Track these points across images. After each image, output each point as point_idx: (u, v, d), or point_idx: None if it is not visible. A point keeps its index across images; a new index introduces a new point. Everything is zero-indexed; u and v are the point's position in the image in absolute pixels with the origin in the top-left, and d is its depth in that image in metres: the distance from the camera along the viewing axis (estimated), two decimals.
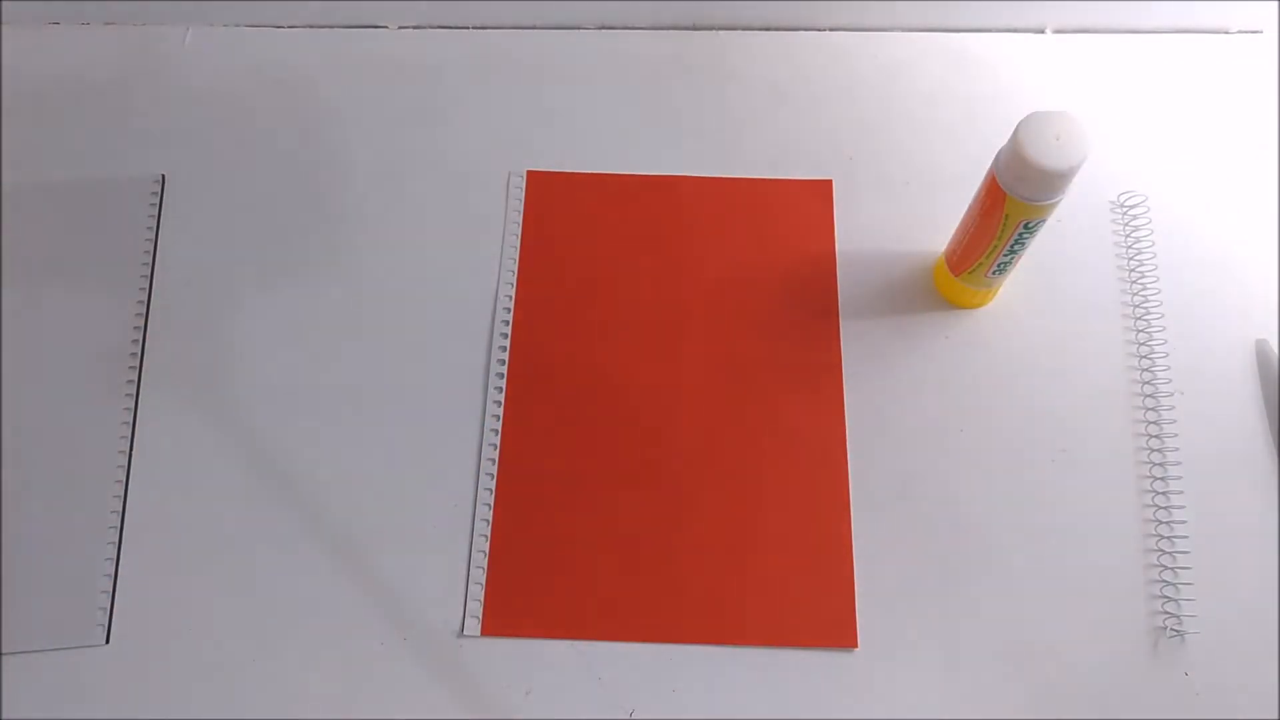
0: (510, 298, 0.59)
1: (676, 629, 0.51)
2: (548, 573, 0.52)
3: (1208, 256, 0.59)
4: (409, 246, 0.61)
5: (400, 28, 0.68)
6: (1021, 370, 0.57)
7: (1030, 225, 0.49)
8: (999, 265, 0.53)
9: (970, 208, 0.52)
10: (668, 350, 0.57)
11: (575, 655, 0.51)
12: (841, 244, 0.60)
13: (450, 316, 0.59)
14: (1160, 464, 0.54)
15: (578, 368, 0.57)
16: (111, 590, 0.52)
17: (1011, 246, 0.51)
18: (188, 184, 0.63)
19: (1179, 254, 0.59)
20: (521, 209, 0.62)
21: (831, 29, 0.67)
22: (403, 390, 0.57)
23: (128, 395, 0.57)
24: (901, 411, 0.56)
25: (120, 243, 0.61)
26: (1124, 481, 0.54)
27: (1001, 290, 0.58)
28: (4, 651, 0.51)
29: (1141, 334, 0.57)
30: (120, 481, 0.55)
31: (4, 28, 0.68)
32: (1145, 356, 0.57)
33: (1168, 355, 0.56)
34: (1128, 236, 0.60)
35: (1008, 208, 0.48)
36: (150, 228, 0.61)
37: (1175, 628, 0.50)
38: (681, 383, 0.57)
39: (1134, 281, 0.58)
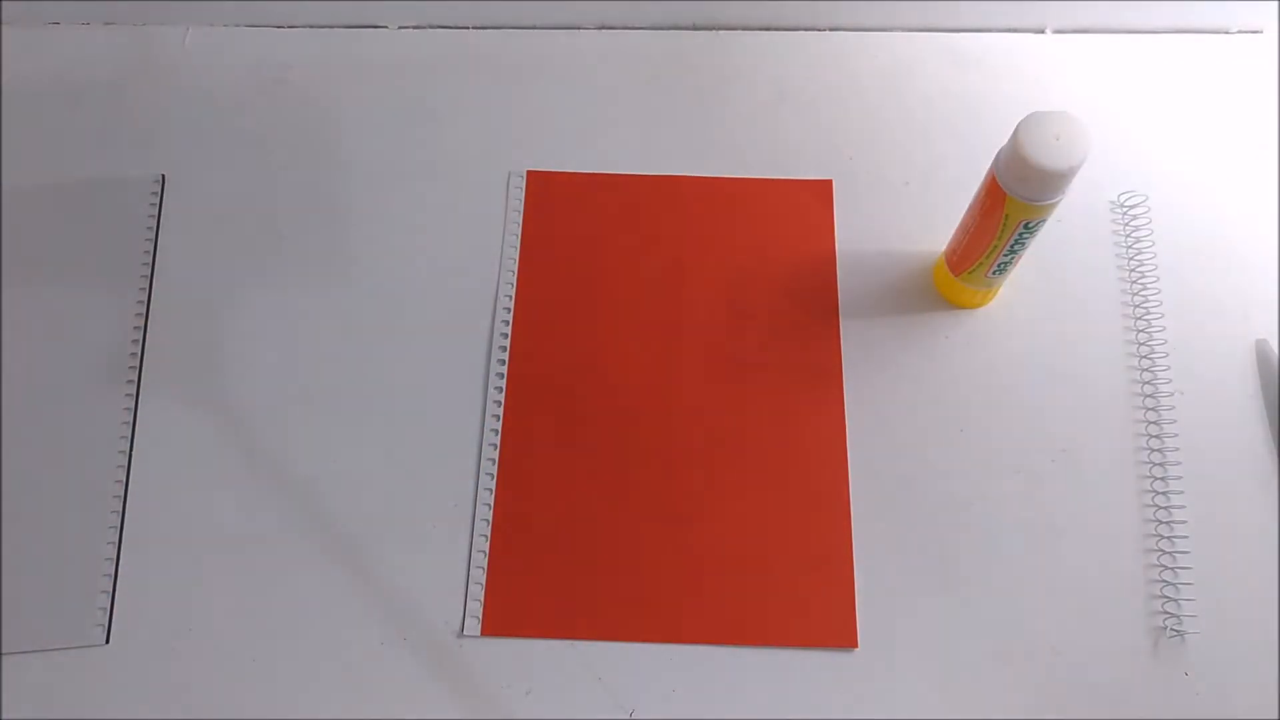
0: (510, 298, 0.59)
1: (676, 629, 0.51)
2: (548, 573, 0.52)
3: (1208, 256, 0.59)
4: (409, 246, 0.61)
5: (400, 28, 0.68)
6: (1021, 370, 0.57)
7: (1030, 225, 0.49)
8: (999, 265, 0.53)
9: (970, 208, 0.52)
10: (668, 350, 0.57)
11: (575, 655, 0.51)
12: (841, 244, 0.60)
13: (450, 317, 0.59)
14: (1160, 464, 0.54)
15: (578, 368, 0.57)
16: (111, 590, 0.52)
17: (1011, 247, 0.51)
18: (187, 184, 0.63)
19: (1179, 254, 0.59)
20: (521, 209, 0.62)
21: (831, 29, 0.67)
22: (403, 390, 0.57)
23: (128, 395, 0.57)
24: (901, 411, 0.56)
25: (120, 242, 0.61)
26: (1124, 481, 0.54)
27: (1001, 290, 0.58)
28: (3, 651, 0.51)
29: (1141, 334, 0.57)
30: (120, 481, 0.55)
31: (4, 28, 0.68)
32: (1145, 356, 0.57)
33: (1168, 355, 0.56)
34: (1128, 236, 0.60)
35: (1008, 208, 0.48)
36: (150, 228, 0.61)
37: (1175, 628, 0.50)
38: (681, 382, 0.57)
39: (1134, 281, 0.58)
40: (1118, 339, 0.57)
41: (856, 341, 0.57)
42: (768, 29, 0.67)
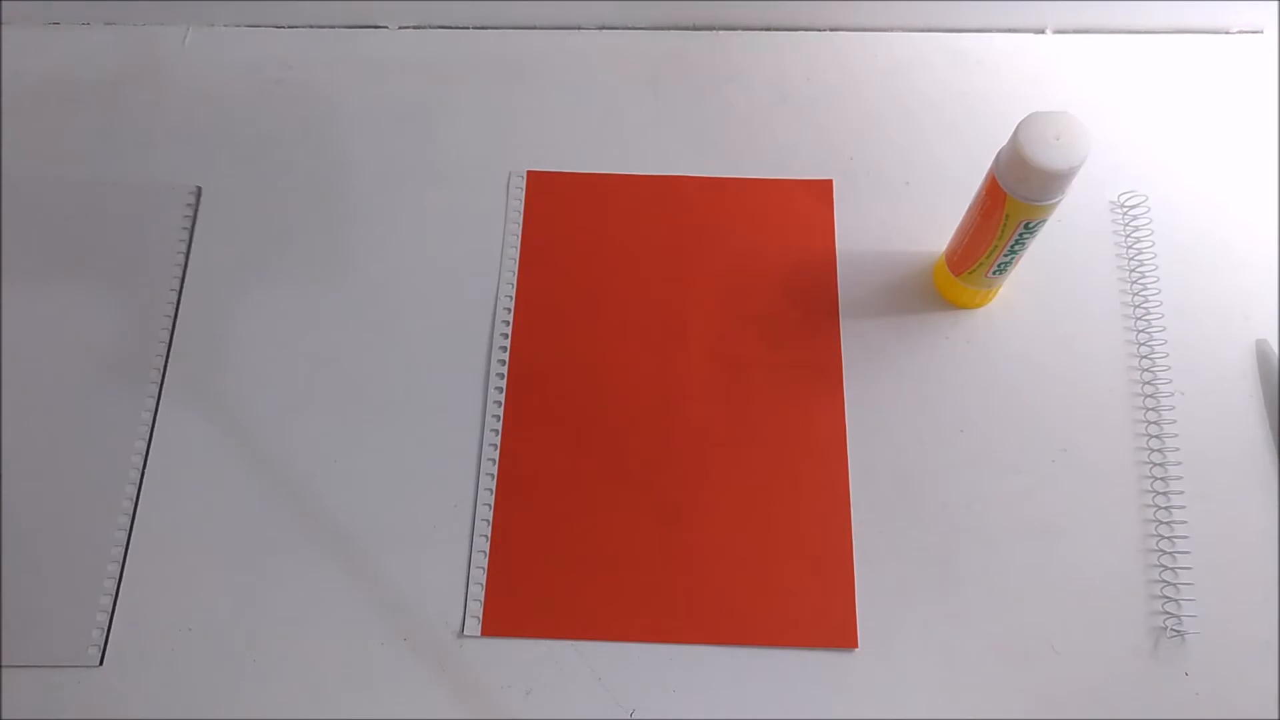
0: (510, 298, 0.59)
1: (676, 629, 0.51)
2: (548, 573, 0.52)
3: (1208, 256, 0.59)
4: (409, 246, 0.61)
5: (400, 28, 0.68)
6: (1021, 370, 0.57)
7: (1030, 226, 0.49)
8: (999, 265, 0.53)
9: (970, 208, 0.52)
10: (668, 350, 0.57)
11: (575, 655, 0.51)
12: (841, 244, 0.60)
13: (450, 316, 0.59)
14: (1160, 464, 0.54)
15: (578, 368, 0.57)
16: (111, 610, 0.52)
17: (1012, 247, 0.51)
18: (187, 184, 0.63)
19: (1179, 254, 0.59)
20: (521, 209, 0.62)
21: (831, 29, 0.67)
22: (403, 390, 0.57)
23: (149, 397, 0.57)
24: (901, 411, 0.56)
25: (141, 248, 0.61)
26: (1124, 481, 0.54)
27: (1001, 290, 0.58)
28: (2, 664, 0.51)
29: (1141, 334, 0.57)
30: (134, 483, 0.54)
31: (4, 28, 0.68)
32: (1145, 356, 0.57)
33: (1168, 355, 0.56)
34: (1128, 236, 0.60)
35: (1008, 208, 0.48)
36: (183, 240, 0.61)
37: (1175, 628, 0.50)
38: (681, 382, 0.57)
39: (1134, 281, 0.58)
40: (1118, 339, 0.57)
41: (856, 341, 0.57)
42: (768, 29, 0.67)
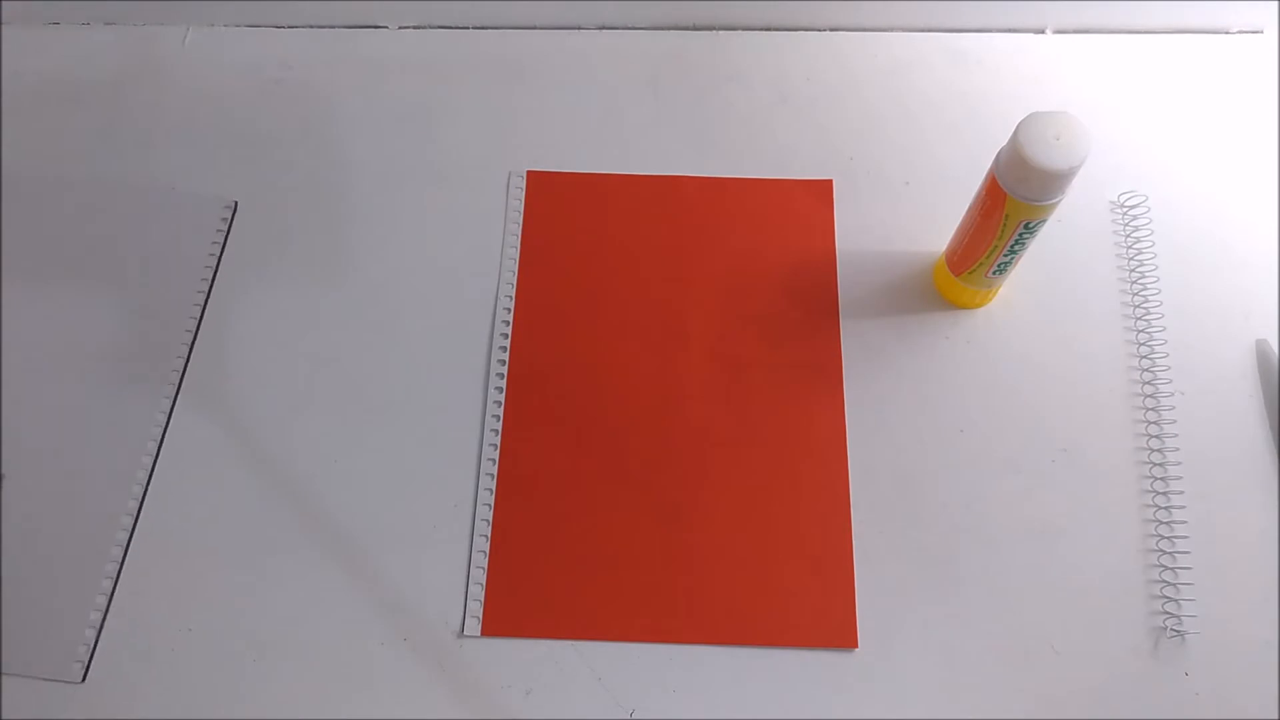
0: (510, 298, 0.59)
1: (676, 629, 0.51)
2: (548, 573, 0.52)
3: (1208, 256, 0.59)
4: (409, 246, 0.61)
5: (400, 28, 0.68)
6: (1021, 370, 0.57)
7: (1030, 226, 0.49)
8: (999, 265, 0.53)
9: (970, 208, 0.52)
10: (667, 350, 0.57)
11: (575, 655, 0.51)
12: (841, 244, 0.60)
13: (450, 316, 0.59)
14: (1160, 464, 0.54)
15: (578, 368, 0.57)
16: (105, 610, 0.52)
17: (1012, 247, 0.51)
18: (187, 184, 0.63)
19: (1179, 254, 0.59)
20: (521, 209, 0.62)
21: (831, 29, 0.67)
22: (403, 390, 0.57)
23: (165, 398, 0.57)
24: (901, 411, 0.56)
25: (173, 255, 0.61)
26: (1124, 481, 0.54)
27: (1001, 290, 0.58)
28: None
29: (1141, 334, 0.57)
30: (141, 483, 0.54)
31: (4, 28, 0.68)
32: (1145, 356, 0.57)
33: (1168, 355, 0.56)
34: (1128, 236, 0.60)
35: (1008, 208, 0.48)
36: (213, 254, 0.61)
37: (1175, 628, 0.50)
38: (681, 382, 0.57)
39: (1134, 281, 0.58)
40: (1118, 339, 0.57)
41: (856, 341, 0.57)
42: (768, 29, 0.67)
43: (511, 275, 0.60)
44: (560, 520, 0.54)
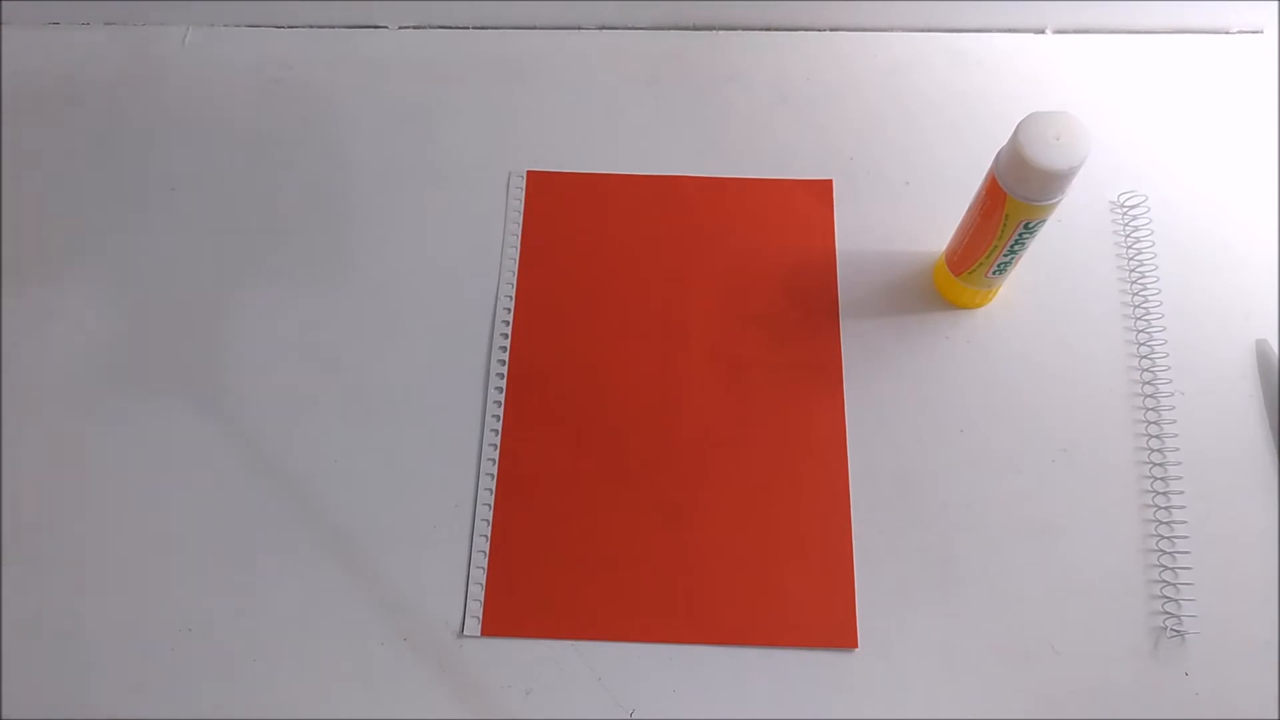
0: (510, 298, 0.59)
1: (676, 629, 0.51)
2: (548, 573, 0.52)
3: (1208, 256, 0.59)
4: (409, 246, 0.61)
5: (400, 28, 0.68)
6: (1021, 370, 0.57)
7: (1030, 226, 0.49)
8: (999, 265, 0.53)
9: (970, 208, 0.52)
10: (667, 350, 0.57)
11: (575, 655, 0.51)
12: (841, 244, 0.60)
13: (450, 316, 0.59)
14: (1160, 464, 0.54)
15: (578, 368, 0.57)
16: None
17: (1011, 247, 0.51)
18: (187, 184, 0.63)
19: (1179, 254, 0.59)
20: (521, 209, 0.62)
21: (831, 29, 0.67)
22: (403, 390, 0.57)
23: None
24: (901, 411, 0.56)
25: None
26: (1124, 481, 0.54)
27: (1001, 290, 0.58)
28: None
29: (1141, 334, 0.57)
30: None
31: (4, 28, 0.68)
32: (1145, 357, 0.57)
33: (1168, 355, 0.56)
34: (1128, 236, 0.60)
35: (1008, 208, 0.48)
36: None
37: (1175, 628, 0.50)
38: (681, 382, 0.57)
39: (1134, 281, 0.58)
40: (1118, 339, 0.57)
41: (856, 341, 0.57)
42: (768, 29, 0.67)
43: (511, 275, 0.60)
44: (560, 520, 0.54)
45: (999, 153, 0.48)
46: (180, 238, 0.61)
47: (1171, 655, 0.50)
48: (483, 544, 0.53)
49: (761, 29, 0.67)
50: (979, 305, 0.58)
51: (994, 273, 0.54)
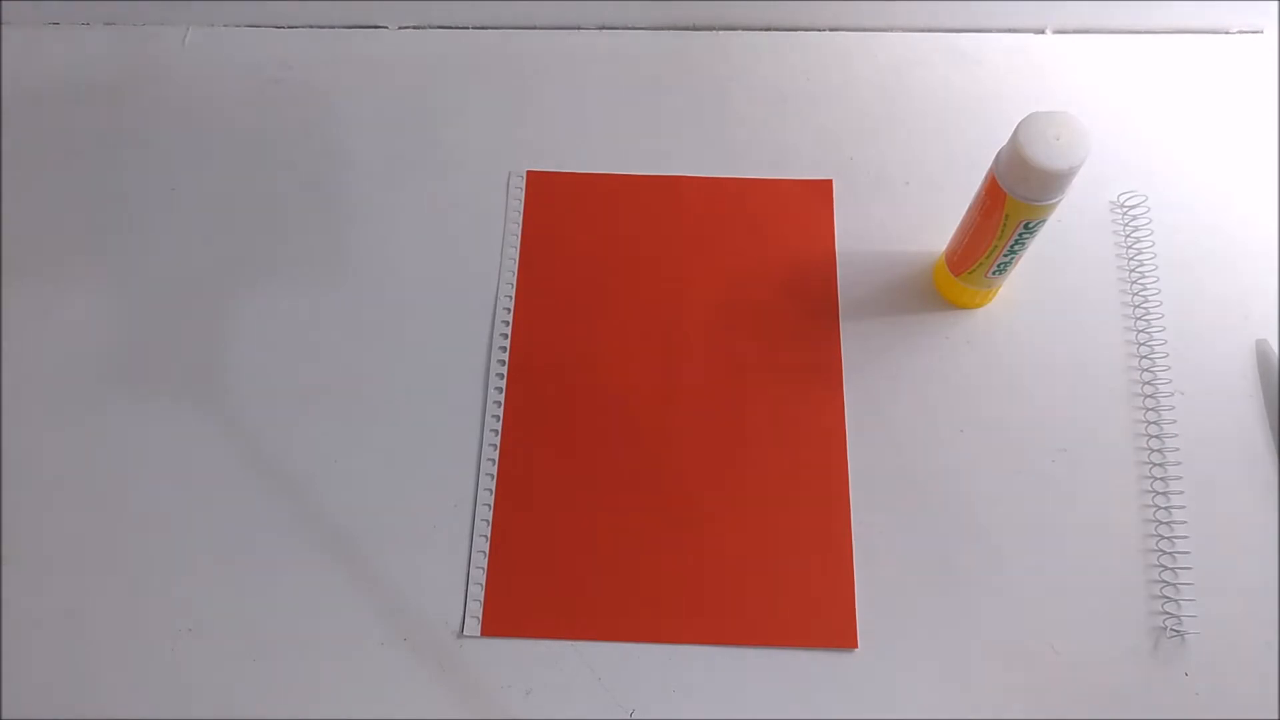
0: (510, 298, 0.59)
1: (676, 629, 0.51)
2: (547, 573, 0.52)
3: (1208, 257, 0.59)
4: (409, 246, 0.61)
5: (400, 28, 0.68)
6: (1021, 370, 0.57)
7: (1030, 225, 0.49)
8: (999, 265, 0.53)
9: (970, 208, 0.52)
10: (667, 350, 0.57)
11: (575, 655, 0.51)
12: (841, 244, 0.60)
13: (450, 316, 0.59)
14: (1160, 464, 0.54)
15: (578, 368, 0.57)
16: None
17: (1011, 247, 0.51)
18: (187, 184, 0.63)
19: (1179, 254, 0.59)
20: (521, 209, 0.62)
21: (831, 29, 0.67)
22: (403, 390, 0.57)
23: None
24: (901, 411, 0.56)
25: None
26: (1124, 481, 0.54)
27: (1001, 290, 0.58)
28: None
29: (1141, 334, 0.57)
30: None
31: (4, 28, 0.68)
32: (1145, 356, 0.57)
33: (1168, 355, 0.56)
34: (1128, 236, 0.60)
35: (1008, 208, 0.48)
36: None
37: (1175, 628, 0.50)
38: (681, 382, 0.57)
39: (1134, 281, 0.58)
40: (1118, 339, 0.57)
41: (856, 341, 0.57)
42: (768, 29, 0.67)
43: (511, 275, 0.60)
44: (560, 520, 0.54)
45: (999, 153, 0.48)
46: (180, 237, 0.61)
47: (1171, 655, 0.50)
48: (483, 544, 0.53)
49: (761, 29, 0.67)
50: (979, 305, 0.58)
51: (994, 273, 0.54)
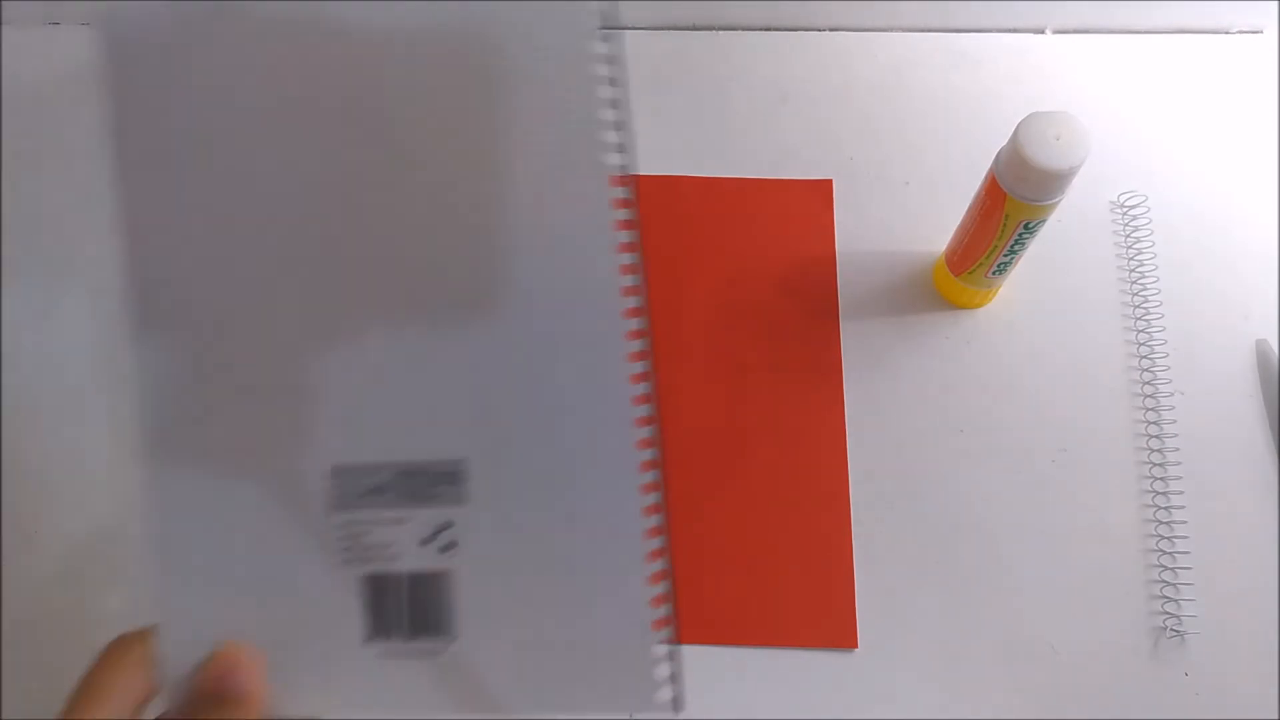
0: None
1: (676, 629, 0.51)
2: None
3: (1208, 256, 0.59)
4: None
5: None
6: (1021, 370, 0.57)
7: (1030, 226, 0.49)
8: (999, 265, 0.53)
9: (970, 208, 0.52)
10: (667, 350, 0.57)
11: None
12: (841, 244, 0.60)
13: None
14: (1160, 464, 0.54)
15: None
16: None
17: (1011, 247, 0.51)
18: None
19: (1179, 254, 0.59)
20: None
21: (831, 29, 0.67)
22: None
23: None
24: (901, 411, 0.56)
25: None
26: (1124, 481, 0.54)
27: (1001, 290, 0.58)
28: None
29: (1141, 334, 0.57)
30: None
31: (4, 28, 0.68)
32: (1145, 356, 0.57)
33: (1168, 355, 0.56)
34: (1128, 236, 0.60)
35: (1008, 208, 0.48)
36: None
37: (1175, 628, 0.50)
38: (681, 382, 0.57)
39: (1134, 281, 0.58)
40: (1118, 339, 0.57)
41: (856, 341, 0.57)
42: (768, 29, 0.67)
43: None
44: None
45: (999, 153, 0.48)
46: None
47: (1171, 655, 0.50)
48: None
49: (761, 29, 0.67)
50: (979, 305, 0.58)
51: (994, 273, 0.54)
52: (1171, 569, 0.51)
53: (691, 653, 0.51)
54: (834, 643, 0.51)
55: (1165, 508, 0.53)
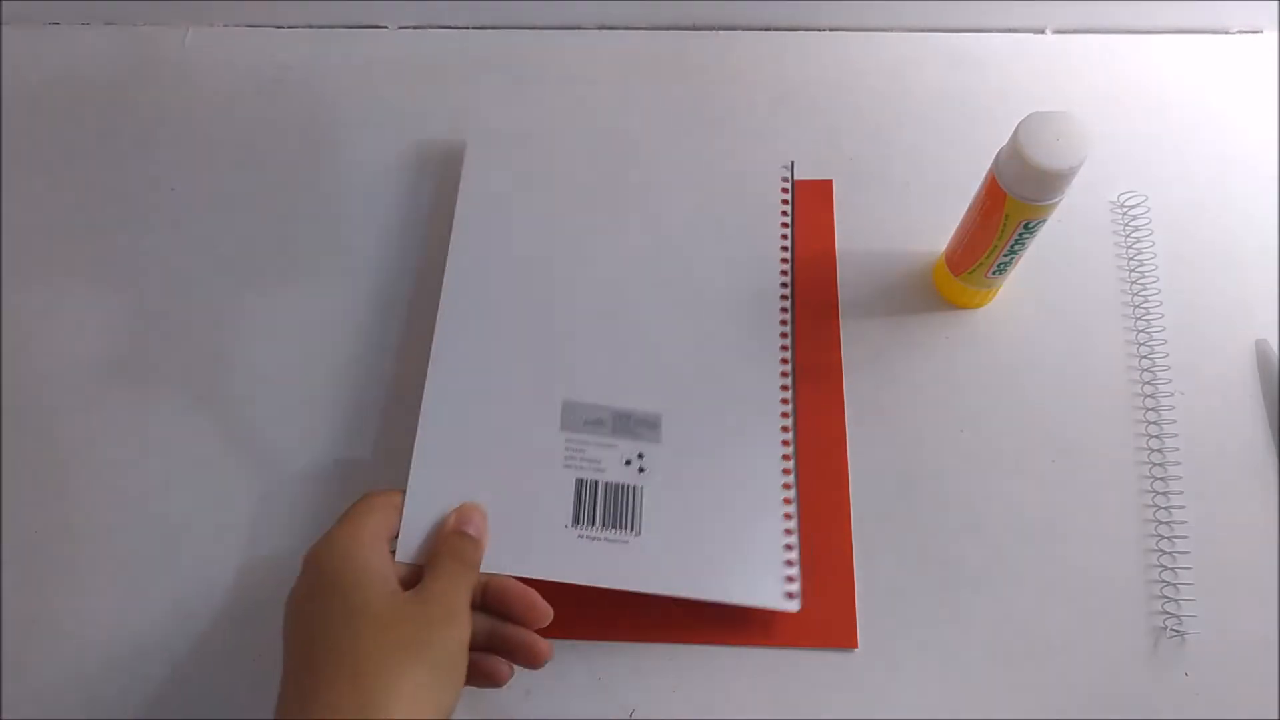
0: None
1: (676, 629, 0.51)
2: None
3: (1208, 256, 0.59)
4: (411, 247, 0.61)
5: (400, 28, 0.68)
6: (1021, 370, 0.57)
7: (1030, 225, 0.49)
8: (999, 265, 0.53)
9: (970, 208, 0.52)
10: None
11: (575, 655, 0.51)
12: (841, 244, 0.60)
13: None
14: (1160, 464, 0.54)
15: None
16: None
17: (1012, 247, 0.51)
18: (187, 184, 0.63)
19: (1179, 254, 0.59)
20: None
21: (831, 29, 0.67)
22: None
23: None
24: (901, 411, 0.56)
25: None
26: (1124, 481, 0.54)
27: (1001, 290, 0.58)
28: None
29: (1141, 334, 0.57)
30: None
31: (4, 28, 0.68)
32: (1145, 357, 0.57)
33: (1168, 355, 0.56)
34: (1128, 236, 0.60)
35: (1008, 208, 0.48)
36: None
37: (1175, 628, 0.50)
38: None
39: (1134, 281, 0.59)
40: (1118, 339, 0.57)
41: (856, 341, 0.57)
42: (768, 29, 0.68)
43: None
44: None
45: (999, 153, 0.48)
46: (180, 237, 0.61)
47: (1171, 655, 0.50)
48: None
49: (761, 29, 0.68)
50: (979, 305, 0.58)
51: (994, 273, 0.54)
52: (1171, 569, 0.51)
53: (691, 653, 0.51)
54: (834, 643, 0.51)
55: (1165, 508, 0.53)
